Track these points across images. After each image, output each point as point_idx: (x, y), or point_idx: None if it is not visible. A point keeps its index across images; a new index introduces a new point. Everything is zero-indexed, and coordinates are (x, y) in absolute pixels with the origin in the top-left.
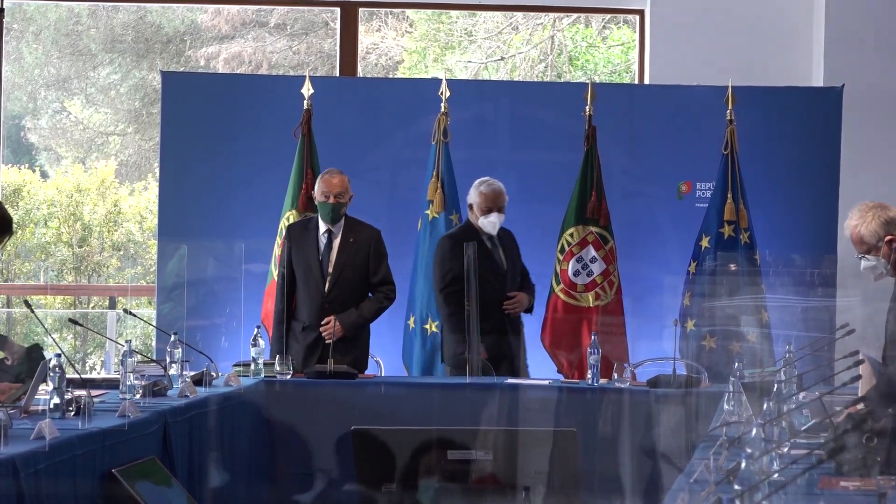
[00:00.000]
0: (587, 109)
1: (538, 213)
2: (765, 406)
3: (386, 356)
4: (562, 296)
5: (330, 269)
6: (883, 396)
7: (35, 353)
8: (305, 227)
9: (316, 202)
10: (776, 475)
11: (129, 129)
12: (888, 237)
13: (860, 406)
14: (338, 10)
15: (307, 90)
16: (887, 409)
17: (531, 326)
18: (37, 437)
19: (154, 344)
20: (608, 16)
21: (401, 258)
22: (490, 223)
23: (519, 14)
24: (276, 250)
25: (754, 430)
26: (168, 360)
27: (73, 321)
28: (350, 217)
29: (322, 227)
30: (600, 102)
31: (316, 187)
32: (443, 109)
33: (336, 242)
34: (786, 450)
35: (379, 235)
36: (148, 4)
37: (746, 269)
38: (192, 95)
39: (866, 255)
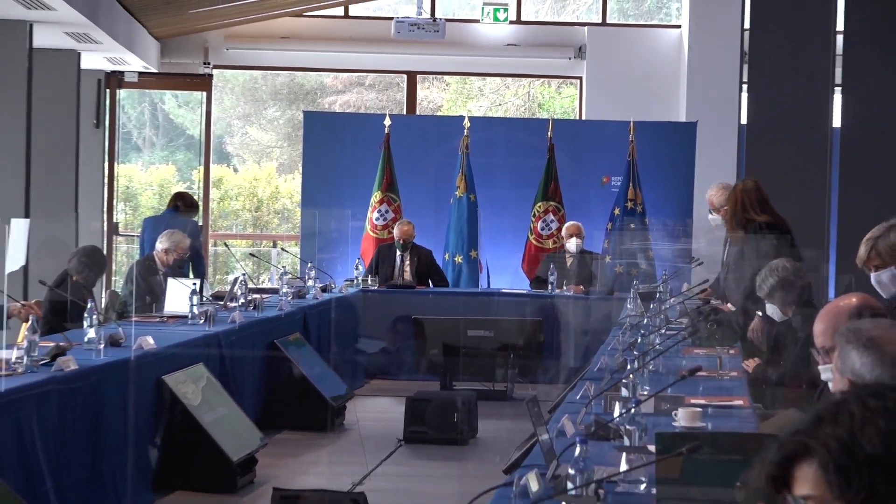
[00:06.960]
0: (549, 134)
1: (520, 195)
2: (651, 305)
3: None
4: (534, 241)
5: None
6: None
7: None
8: (389, 249)
9: (395, 239)
10: (658, 346)
11: (284, 143)
12: (725, 208)
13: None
14: (405, 76)
15: (387, 122)
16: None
17: (516, 259)
18: (231, 321)
19: (299, 268)
20: (562, 80)
21: (441, 221)
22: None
23: (510, 79)
24: (370, 213)
25: (645, 320)
26: (307, 277)
27: (252, 254)
28: (414, 244)
29: (398, 252)
30: (557, 129)
31: (395, 229)
32: (465, 133)
33: (406, 262)
34: (663, 331)
35: (430, 254)
36: (298, 73)
37: (640, 226)
38: (322, 126)
39: (712, 213)
